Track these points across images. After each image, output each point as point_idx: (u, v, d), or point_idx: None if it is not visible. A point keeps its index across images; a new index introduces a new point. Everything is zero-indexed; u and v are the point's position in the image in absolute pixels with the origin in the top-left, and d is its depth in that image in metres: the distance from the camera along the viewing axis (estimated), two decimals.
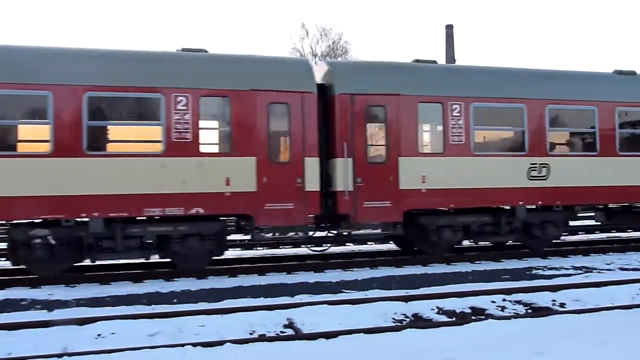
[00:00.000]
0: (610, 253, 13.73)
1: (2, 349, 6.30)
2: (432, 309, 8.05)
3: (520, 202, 12.66)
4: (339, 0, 68.66)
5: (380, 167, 11.72)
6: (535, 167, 12.70)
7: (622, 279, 9.76)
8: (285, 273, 11.43)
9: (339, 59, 40.67)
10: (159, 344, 6.34)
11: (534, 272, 11.25)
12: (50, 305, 8.63)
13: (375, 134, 12.28)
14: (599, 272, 11.07)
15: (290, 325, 7.27)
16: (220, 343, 6.30)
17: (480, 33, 76.80)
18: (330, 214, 11.69)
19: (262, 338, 6.75)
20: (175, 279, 10.83)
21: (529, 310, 8.13)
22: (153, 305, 8.47)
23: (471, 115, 12.35)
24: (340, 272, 11.48)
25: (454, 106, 12.21)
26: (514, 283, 9.84)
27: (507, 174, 12.51)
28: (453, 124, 12.15)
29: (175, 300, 8.94)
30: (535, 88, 13.10)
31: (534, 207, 13.06)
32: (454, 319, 7.65)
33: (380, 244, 15.79)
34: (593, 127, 13.32)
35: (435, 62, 13.53)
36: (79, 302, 8.79)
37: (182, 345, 6.22)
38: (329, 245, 13.15)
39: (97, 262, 12.66)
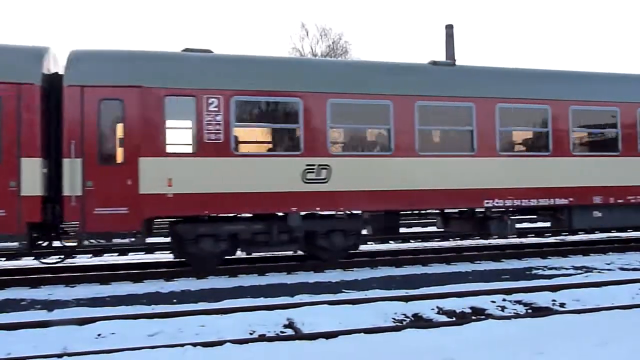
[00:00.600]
0: (610, 253, 13.73)
1: (2, 349, 6.29)
2: (432, 309, 8.05)
3: (294, 209, 11.15)
4: (339, 0, 68.72)
5: (115, 169, 10.36)
6: (313, 168, 11.29)
7: (622, 278, 9.75)
8: (285, 273, 11.42)
9: (339, 58, 40.75)
10: (159, 344, 6.34)
11: (534, 272, 11.24)
12: (50, 305, 8.63)
13: (111, 131, 10.57)
14: (599, 272, 11.07)
15: (290, 325, 7.27)
16: (220, 343, 6.30)
17: (481, 33, 76.83)
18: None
19: (262, 338, 6.75)
20: (176, 279, 10.83)
21: (529, 310, 8.12)
22: (153, 306, 8.47)
23: (232, 110, 10.87)
24: (340, 272, 11.48)
25: (211, 100, 10.81)
26: (514, 283, 9.84)
27: (278, 177, 11.03)
28: (209, 121, 10.73)
29: (175, 300, 8.94)
30: (315, 80, 11.56)
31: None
32: (454, 319, 7.65)
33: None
34: (387, 124, 11.72)
35: (209, 51, 11.85)
36: (78, 302, 8.79)
37: (182, 345, 6.22)
38: (62, 257, 11.42)
39: (97, 262, 12.76)
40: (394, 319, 7.63)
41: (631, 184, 13.27)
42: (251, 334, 7.01)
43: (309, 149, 11.27)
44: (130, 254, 14.31)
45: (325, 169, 11.31)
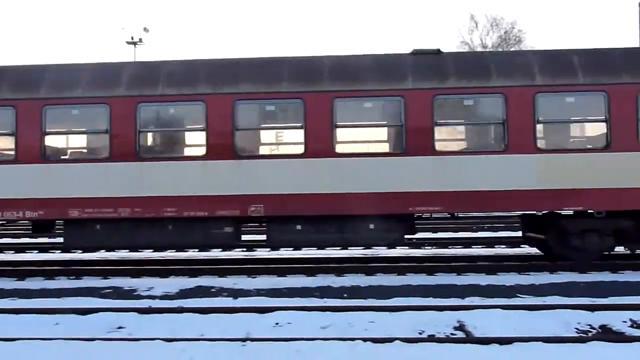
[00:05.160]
0: None
1: (196, 329, 7.08)
2: (624, 322, 7.20)
3: None
4: None
5: None
6: None
7: None
8: (455, 274, 11.12)
9: (512, 49, 38.56)
10: (331, 336, 6.59)
11: None
12: (235, 293, 9.46)
13: None
14: None
15: (460, 327, 7.06)
16: (390, 340, 6.36)
17: None
18: None
19: (432, 339, 6.66)
20: (345, 275, 11.11)
21: None
22: (325, 299, 8.83)
23: None
24: (514, 275, 10.83)
25: None
26: None
27: None
28: None
29: (345, 295, 9.21)
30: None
31: None
32: None
33: None
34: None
35: None
36: (259, 292, 9.50)
37: (352, 339, 6.39)
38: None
39: (275, 255, 13.69)
40: (577, 329, 6.99)
41: None
42: (420, 333, 6.94)
43: None
44: (303, 249, 15.08)
45: None
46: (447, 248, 15.09)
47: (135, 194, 10.55)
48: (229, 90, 10.63)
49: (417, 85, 10.51)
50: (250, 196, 10.48)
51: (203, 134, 10.65)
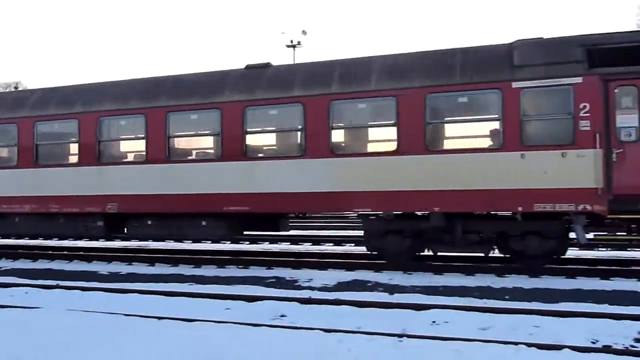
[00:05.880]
0: None
1: (352, 321, 7.22)
2: None
3: None
4: None
5: None
6: None
7: None
8: (635, 279, 9.97)
9: None
10: (492, 338, 6.28)
11: None
12: (390, 289, 9.48)
13: None
14: None
15: None
16: (558, 347, 5.90)
17: None
18: None
19: (608, 349, 6.02)
20: (507, 275, 10.58)
21: None
22: (484, 300, 8.47)
23: None
24: None
25: None
26: None
27: None
28: None
29: (507, 297, 8.75)
30: None
31: None
32: None
33: None
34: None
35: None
36: (414, 289, 9.42)
37: (515, 343, 6.03)
38: None
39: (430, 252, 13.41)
40: None
41: None
42: (593, 342, 6.34)
43: None
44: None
45: None
46: (626, 250, 13.60)
47: (33, 194, 13.42)
48: (94, 108, 12.98)
49: (231, 98, 11.76)
50: (107, 196, 12.68)
51: (76, 145, 13.20)
